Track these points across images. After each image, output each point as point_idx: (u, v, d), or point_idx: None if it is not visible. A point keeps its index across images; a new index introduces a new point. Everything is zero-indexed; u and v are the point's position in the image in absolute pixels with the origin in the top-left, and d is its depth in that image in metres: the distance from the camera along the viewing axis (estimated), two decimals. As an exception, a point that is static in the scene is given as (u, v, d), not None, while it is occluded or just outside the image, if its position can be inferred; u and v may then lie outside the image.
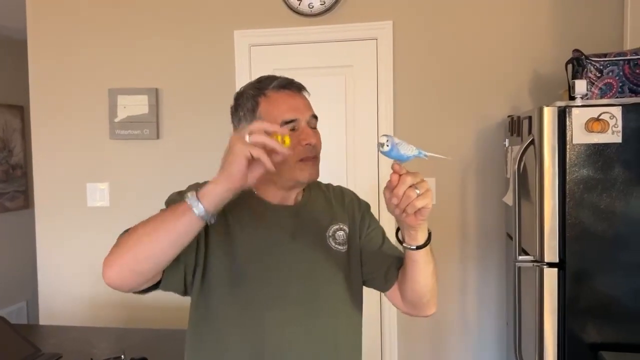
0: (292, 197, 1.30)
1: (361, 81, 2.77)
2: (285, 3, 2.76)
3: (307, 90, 1.29)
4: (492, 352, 2.72)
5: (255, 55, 2.84)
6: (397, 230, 1.16)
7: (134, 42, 2.95)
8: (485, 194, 2.71)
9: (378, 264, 1.33)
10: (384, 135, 1.05)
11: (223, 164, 1.01)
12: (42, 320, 3.05)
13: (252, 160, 0.99)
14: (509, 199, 2.26)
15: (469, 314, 2.74)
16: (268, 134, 1.01)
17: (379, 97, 2.75)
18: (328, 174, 2.76)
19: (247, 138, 0.99)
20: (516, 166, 2.01)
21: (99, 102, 2.97)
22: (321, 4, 2.71)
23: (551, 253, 1.88)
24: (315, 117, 1.26)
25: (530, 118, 1.99)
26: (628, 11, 2.45)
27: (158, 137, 2.93)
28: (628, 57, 2.03)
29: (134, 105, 2.90)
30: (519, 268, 2.03)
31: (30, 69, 3.05)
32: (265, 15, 2.82)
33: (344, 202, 1.38)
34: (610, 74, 2.03)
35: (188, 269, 1.19)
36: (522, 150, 1.98)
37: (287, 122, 1.19)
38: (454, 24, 2.69)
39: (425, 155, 1.08)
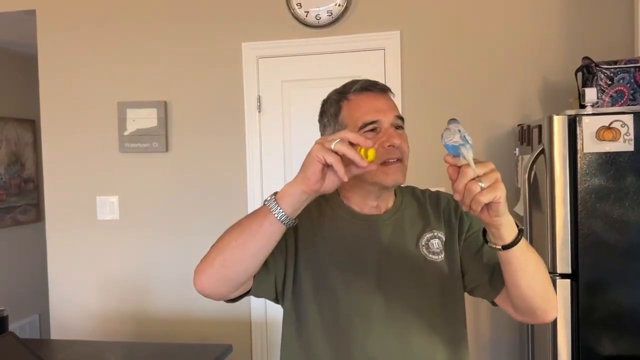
0: (381, 206, 1.23)
1: (369, 91, 2.75)
2: (293, 15, 2.76)
3: (392, 92, 1.23)
4: (505, 365, 2.68)
5: (263, 67, 2.85)
6: (484, 230, 1.05)
7: (142, 56, 2.97)
8: (496, 204, 2.67)
9: (480, 269, 1.20)
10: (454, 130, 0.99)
11: (302, 165, 0.99)
12: (54, 334, 3.06)
13: (328, 167, 0.96)
14: (520, 209, 2.23)
15: (483, 326, 2.70)
16: (352, 144, 0.97)
17: (387, 107, 2.73)
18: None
19: (329, 144, 0.96)
20: (526, 176, 1.99)
21: (108, 116, 2.99)
22: (328, 15, 2.71)
23: (563, 264, 1.85)
24: (401, 118, 1.21)
25: (540, 127, 1.97)
26: (639, 17, 2.41)
27: (167, 150, 2.94)
28: (639, 64, 2.00)
29: (142, 119, 2.92)
30: (531, 279, 2.00)
31: (40, 83, 3.08)
32: (272, 27, 2.82)
33: (440, 207, 1.28)
34: (622, 81, 2.00)
35: (278, 276, 1.17)
36: (532, 160, 1.96)
37: (368, 124, 1.15)
38: (461, 33, 2.67)
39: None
